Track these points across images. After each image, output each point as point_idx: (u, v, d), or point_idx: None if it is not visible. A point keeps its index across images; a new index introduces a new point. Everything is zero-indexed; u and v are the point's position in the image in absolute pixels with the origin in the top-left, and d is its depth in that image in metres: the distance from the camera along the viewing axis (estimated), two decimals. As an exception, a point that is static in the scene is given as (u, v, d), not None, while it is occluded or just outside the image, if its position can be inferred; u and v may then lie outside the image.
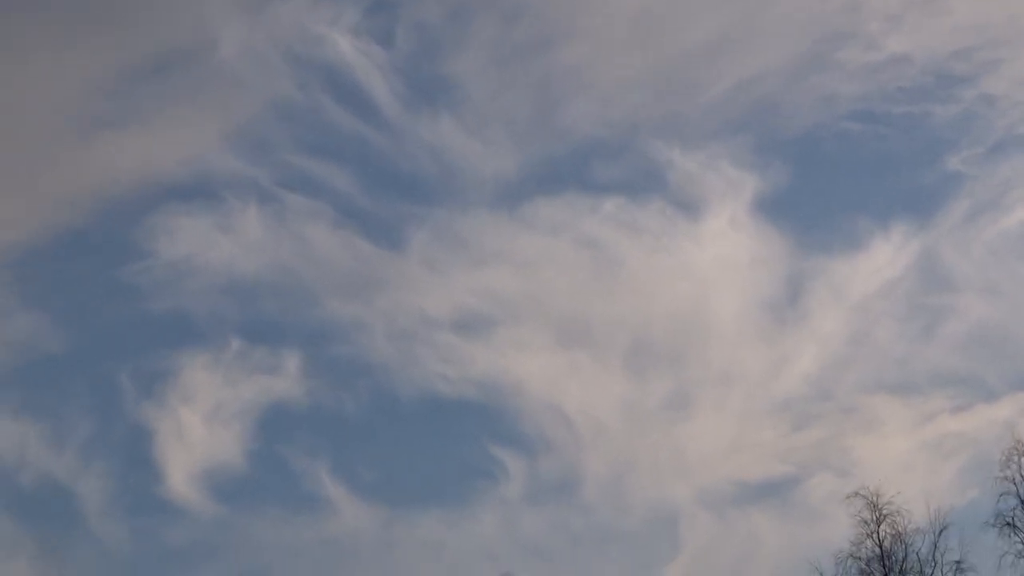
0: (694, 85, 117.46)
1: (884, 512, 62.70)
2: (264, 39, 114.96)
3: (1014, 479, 61.63)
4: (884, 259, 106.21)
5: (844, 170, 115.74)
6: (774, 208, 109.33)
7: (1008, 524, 60.92)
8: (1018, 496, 61.39)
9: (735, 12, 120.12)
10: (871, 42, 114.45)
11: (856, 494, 63.20)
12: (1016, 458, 61.65)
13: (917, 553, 62.05)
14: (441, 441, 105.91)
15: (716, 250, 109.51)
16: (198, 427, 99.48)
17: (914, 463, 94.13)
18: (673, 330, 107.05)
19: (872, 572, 62.05)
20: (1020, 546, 60.83)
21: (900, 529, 62.35)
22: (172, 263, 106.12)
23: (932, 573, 61.84)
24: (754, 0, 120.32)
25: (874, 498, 62.87)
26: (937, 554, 61.79)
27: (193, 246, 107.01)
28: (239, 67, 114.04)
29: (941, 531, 61.91)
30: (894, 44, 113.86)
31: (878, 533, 62.54)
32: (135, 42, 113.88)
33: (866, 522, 62.78)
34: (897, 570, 61.92)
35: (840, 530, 63.77)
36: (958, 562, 61.61)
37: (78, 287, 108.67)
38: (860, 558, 62.23)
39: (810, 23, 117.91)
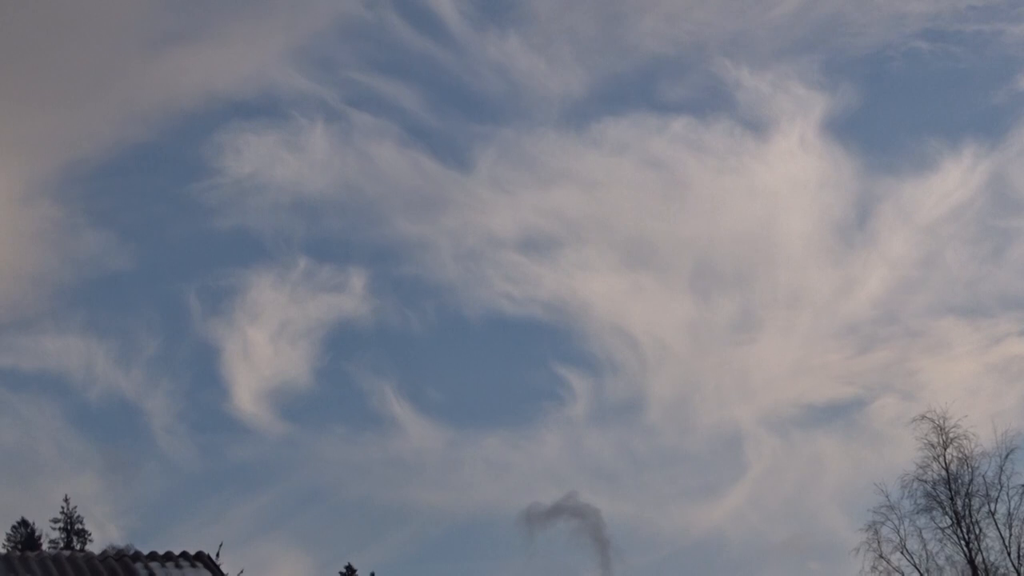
0: (762, 3, 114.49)
1: (951, 435, 59.50)
2: None
3: None
4: (954, 181, 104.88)
5: (914, 90, 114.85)
6: (843, 129, 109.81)
7: None
8: None
9: None
10: None
11: (922, 417, 59.97)
12: None
13: (984, 476, 58.93)
14: (506, 361, 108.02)
15: (784, 171, 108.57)
16: (264, 345, 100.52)
17: (981, 386, 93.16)
18: (739, 252, 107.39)
19: (938, 495, 58.94)
20: None
21: (967, 453, 59.33)
22: (239, 180, 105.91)
23: (998, 496, 58.65)
24: None
25: (941, 421, 59.71)
26: (1004, 477, 58.47)
27: (259, 163, 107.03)
28: None
29: (1008, 455, 58.58)
30: None
31: (944, 456, 59.38)
32: None
33: (932, 445, 59.54)
34: (963, 493, 59.03)
35: (906, 453, 61.54)
36: None
37: (145, 204, 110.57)
38: (926, 481, 59.09)
39: None
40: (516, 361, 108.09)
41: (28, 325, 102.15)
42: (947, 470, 59.41)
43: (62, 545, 77.21)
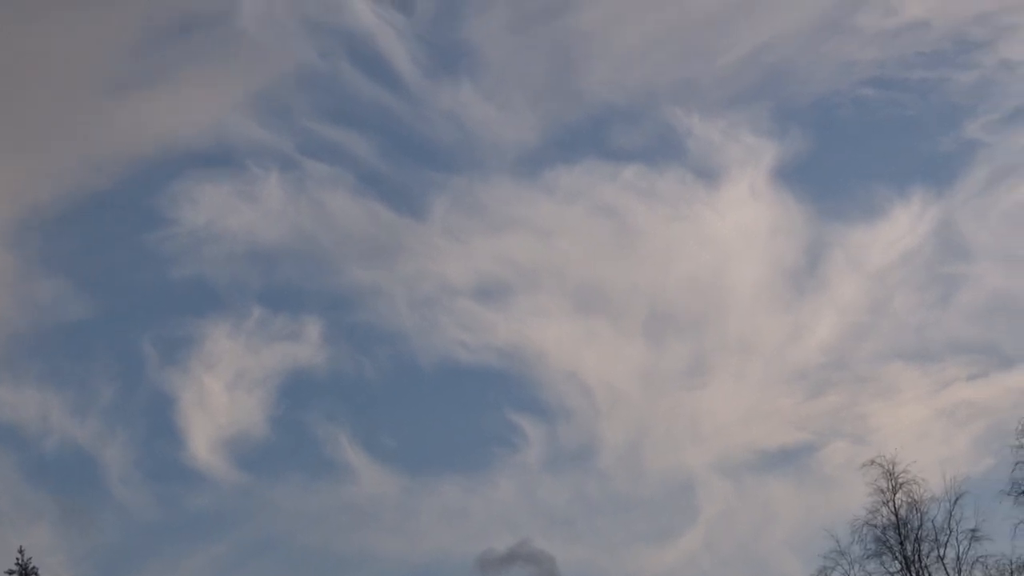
0: (711, 50, 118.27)
1: (900, 480, 61.26)
2: (285, 5, 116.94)
3: None
4: (902, 227, 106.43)
5: (862, 137, 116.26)
6: (793, 176, 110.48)
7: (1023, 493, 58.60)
8: None
9: None
10: (888, 7, 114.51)
11: (872, 462, 61.77)
12: None
13: (932, 521, 60.63)
14: (461, 408, 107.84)
15: (735, 218, 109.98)
16: (220, 394, 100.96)
17: (930, 431, 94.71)
18: (691, 298, 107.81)
19: (887, 540, 60.75)
20: None
21: (916, 497, 60.96)
22: (194, 230, 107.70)
23: (947, 541, 60.40)
24: None
25: (890, 466, 61.47)
26: (952, 522, 60.23)
27: (215, 213, 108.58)
28: (260, 33, 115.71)
29: (956, 499, 60.31)
30: (912, 8, 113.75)
31: (894, 501, 61.03)
32: (159, 6, 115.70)
33: (882, 490, 61.25)
34: (912, 538, 60.66)
35: (856, 498, 62.51)
36: (973, 530, 60.05)
37: (101, 253, 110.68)
38: (876, 526, 60.89)
39: None
40: (470, 408, 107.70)
41: None
42: (896, 515, 60.68)
43: (17, 596, 76.98)
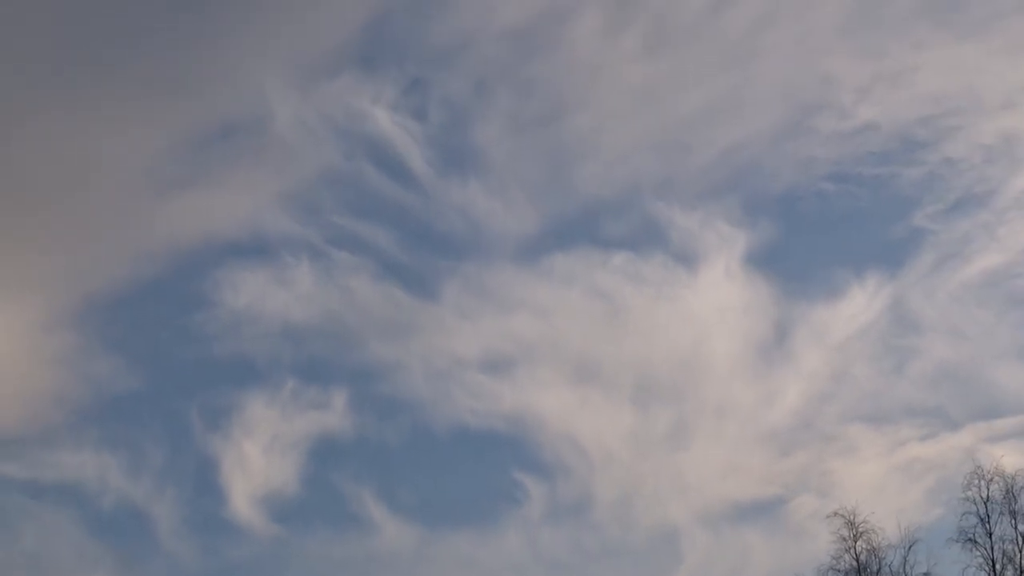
0: (687, 150, 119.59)
1: (860, 529, 63.25)
2: (314, 113, 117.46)
3: (974, 500, 61.86)
4: (859, 305, 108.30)
5: (823, 226, 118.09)
6: (762, 260, 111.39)
7: (970, 540, 61.25)
8: (978, 515, 61.61)
9: (723, 84, 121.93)
10: (843, 111, 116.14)
11: (835, 513, 63.93)
12: (976, 481, 61.84)
13: (889, 566, 62.42)
14: (471, 468, 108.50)
15: (712, 298, 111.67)
16: (258, 456, 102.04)
17: (886, 485, 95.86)
18: (674, 369, 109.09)
19: None
20: (980, 560, 61.05)
21: (874, 545, 62.93)
22: (235, 312, 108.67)
23: None
24: (739, 73, 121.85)
25: (851, 517, 63.52)
26: (907, 567, 62.21)
27: (253, 297, 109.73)
28: (292, 137, 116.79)
29: (911, 546, 62.33)
30: (864, 113, 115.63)
31: (855, 548, 63.02)
32: (203, 113, 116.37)
33: (844, 538, 63.31)
34: None
35: (821, 545, 64.36)
36: (926, 574, 62.06)
37: (153, 332, 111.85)
38: (839, 571, 62.67)
39: (789, 94, 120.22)
40: (479, 468, 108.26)
41: (48, 440, 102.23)
42: (857, 561, 62.51)
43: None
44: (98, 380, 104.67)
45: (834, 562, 62.79)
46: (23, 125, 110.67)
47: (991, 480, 61.83)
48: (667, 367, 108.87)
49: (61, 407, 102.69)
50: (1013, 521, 61.22)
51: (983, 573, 61.02)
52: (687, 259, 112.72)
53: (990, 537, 61.34)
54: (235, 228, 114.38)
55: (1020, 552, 60.71)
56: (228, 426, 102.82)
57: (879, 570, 62.40)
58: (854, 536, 63.05)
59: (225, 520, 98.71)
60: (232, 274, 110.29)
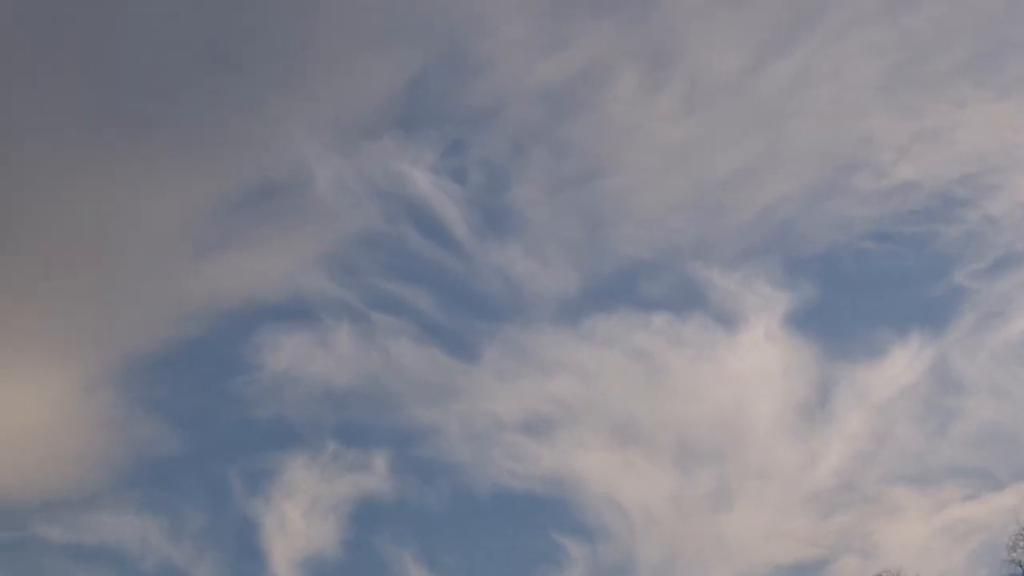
0: (725, 211, 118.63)
1: None
2: (354, 175, 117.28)
3: (1019, 561, 61.95)
4: (902, 366, 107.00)
5: (863, 286, 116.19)
6: (803, 321, 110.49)
7: None
8: None
9: (759, 144, 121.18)
10: (882, 170, 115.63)
11: (880, 575, 64.67)
12: (1021, 542, 62.21)
13: None
14: (511, 530, 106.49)
15: (752, 360, 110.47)
16: (298, 519, 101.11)
17: (930, 547, 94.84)
18: (715, 430, 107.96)
19: None
20: None
21: None
22: (275, 375, 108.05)
23: None
24: (776, 133, 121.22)
25: None
26: None
27: (293, 360, 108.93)
28: (332, 199, 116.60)
29: None
30: (903, 172, 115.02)
31: None
32: (243, 174, 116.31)
33: None
34: None
35: None
36: None
37: (193, 395, 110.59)
38: None
39: (827, 153, 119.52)
40: (520, 530, 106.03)
41: (89, 503, 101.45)
42: None
43: None
44: (139, 443, 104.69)
45: (879, 624, 62.10)
46: (62, 185, 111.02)
47: None
48: (708, 429, 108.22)
49: (102, 470, 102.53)
50: None
51: (1030, 638, 60.45)
52: (727, 320, 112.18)
53: None
54: (275, 290, 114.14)
55: (1067, 614, 59.61)
56: (269, 489, 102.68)
57: (925, 633, 61.75)
58: None
59: None
60: (272, 337, 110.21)
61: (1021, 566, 61.55)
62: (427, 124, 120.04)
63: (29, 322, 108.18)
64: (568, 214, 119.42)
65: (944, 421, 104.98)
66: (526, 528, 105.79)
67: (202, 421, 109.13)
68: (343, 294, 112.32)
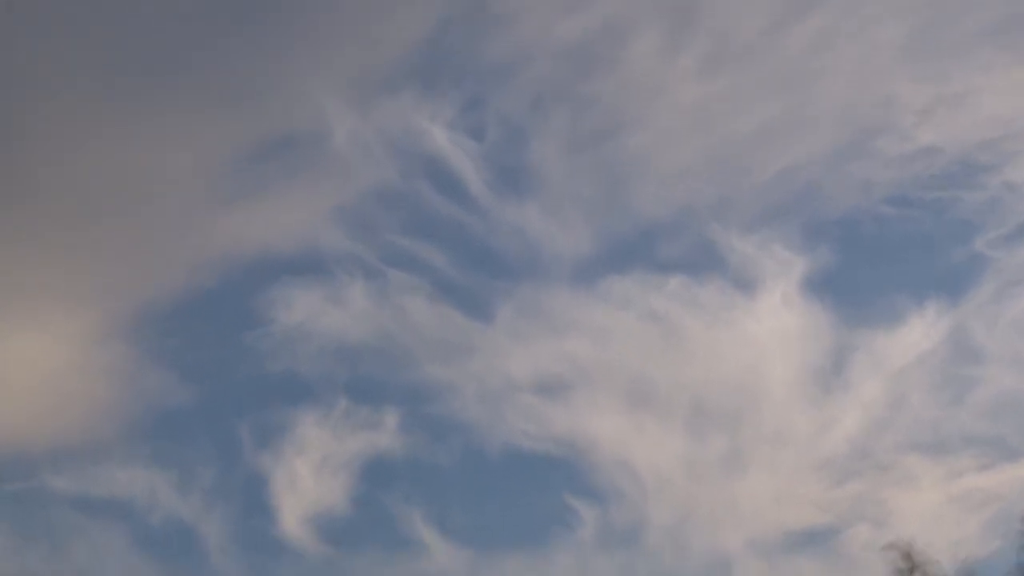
0: (745, 171, 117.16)
1: (917, 561, 62.08)
2: (372, 131, 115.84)
3: None
4: (919, 333, 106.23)
5: (882, 251, 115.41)
6: (821, 286, 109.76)
7: None
8: None
9: (780, 104, 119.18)
10: (904, 134, 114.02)
11: (891, 544, 62.88)
12: None
13: None
14: (523, 491, 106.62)
15: (769, 324, 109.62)
16: (308, 476, 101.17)
17: (943, 516, 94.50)
18: (729, 395, 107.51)
19: None
20: None
21: None
22: (288, 330, 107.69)
23: None
24: (797, 93, 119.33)
25: (908, 548, 62.44)
26: None
27: (306, 315, 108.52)
28: (349, 154, 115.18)
29: None
30: (925, 136, 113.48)
31: None
32: (260, 127, 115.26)
33: (900, 570, 62.23)
34: None
35: None
36: None
37: (206, 348, 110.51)
38: None
39: (848, 116, 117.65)
40: (531, 491, 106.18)
41: (99, 454, 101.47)
42: None
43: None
44: (150, 394, 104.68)
45: (890, 594, 62.05)
46: (79, 136, 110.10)
47: None
48: (722, 393, 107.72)
49: (112, 421, 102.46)
50: None
51: (1043, 608, 59.87)
52: (744, 284, 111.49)
53: None
54: (291, 244, 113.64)
55: (1082, 587, 59.31)
56: (279, 444, 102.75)
57: (936, 602, 61.48)
58: (910, 568, 62.05)
59: (274, 539, 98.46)
60: (286, 291, 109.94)
61: None
62: (446, 79, 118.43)
63: (44, 271, 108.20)
64: (586, 173, 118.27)
65: (961, 390, 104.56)
66: (537, 489, 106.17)
67: (214, 374, 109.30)
68: (358, 249, 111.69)
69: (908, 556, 61.99)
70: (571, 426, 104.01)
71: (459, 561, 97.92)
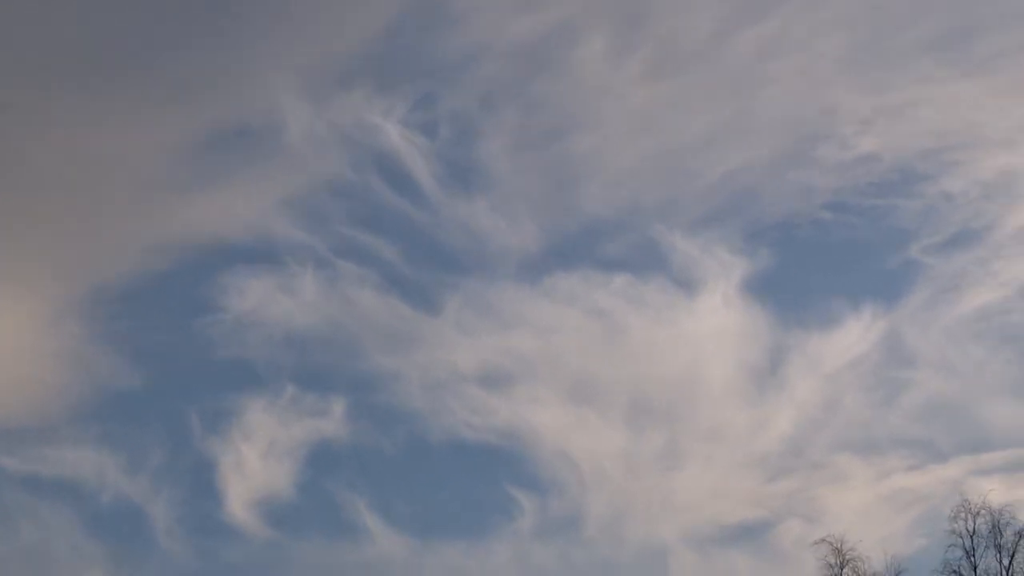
0: (689, 174, 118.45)
1: (846, 557, 62.67)
2: (326, 124, 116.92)
3: (960, 533, 61.93)
4: (854, 336, 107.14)
5: (820, 255, 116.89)
6: (760, 288, 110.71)
7: (955, 572, 61.26)
8: (964, 548, 61.67)
9: (725, 110, 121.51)
10: (845, 142, 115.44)
11: (823, 540, 63.42)
12: (963, 514, 62.05)
13: None
14: (465, 480, 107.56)
15: (709, 323, 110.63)
16: (255, 461, 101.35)
17: (873, 514, 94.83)
18: (669, 391, 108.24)
19: None
20: None
21: (860, 573, 62.43)
22: (238, 317, 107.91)
23: None
24: (742, 100, 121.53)
25: (838, 544, 63.00)
26: None
27: (257, 303, 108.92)
28: (303, 147, 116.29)
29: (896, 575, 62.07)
30: (865, 144, 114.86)
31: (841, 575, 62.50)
32: (218, 119, 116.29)
33: (831, 565, 62.73)
34: None
35: (807, 571, 64.11)
36: None
37: (157, 332, 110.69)
38: None
39: (791, 123, 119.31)
40: (473, 481, 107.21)
41: (49, 435, 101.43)
42: None
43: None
44: (101, 377, 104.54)
45: (820, 590, 62.83)
46: (43, 124, 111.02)
47: (978, 514, 62.21)
48: (662, 389, 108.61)
49: (63, 402, 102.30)
50: (998, 555, 61.40)
51: (967, 606, 61.04)
52: (686, 284, 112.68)
53: (975, 570, 61.37)
54: (243, 232, 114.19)
55: (1005, 586, 60.48)
56: (227, 429, 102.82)
57: (864, 599, 62.28)
58: (840, 564, 62.68)
59: (220, 522, 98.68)
60: (238, 279, 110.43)
61: (961, 537, 61.58)
62: (399, 77, 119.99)
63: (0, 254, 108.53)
64: (534, 171, 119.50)
65: (892, 392, 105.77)
66: (479, 479, 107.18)
67: (164, 358, 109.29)
68: (309, 240, 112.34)
69: (838, 552, 62.45)
70: (514, 418, 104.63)
71: (401, 548, 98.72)
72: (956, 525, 61.82)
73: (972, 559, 61.32)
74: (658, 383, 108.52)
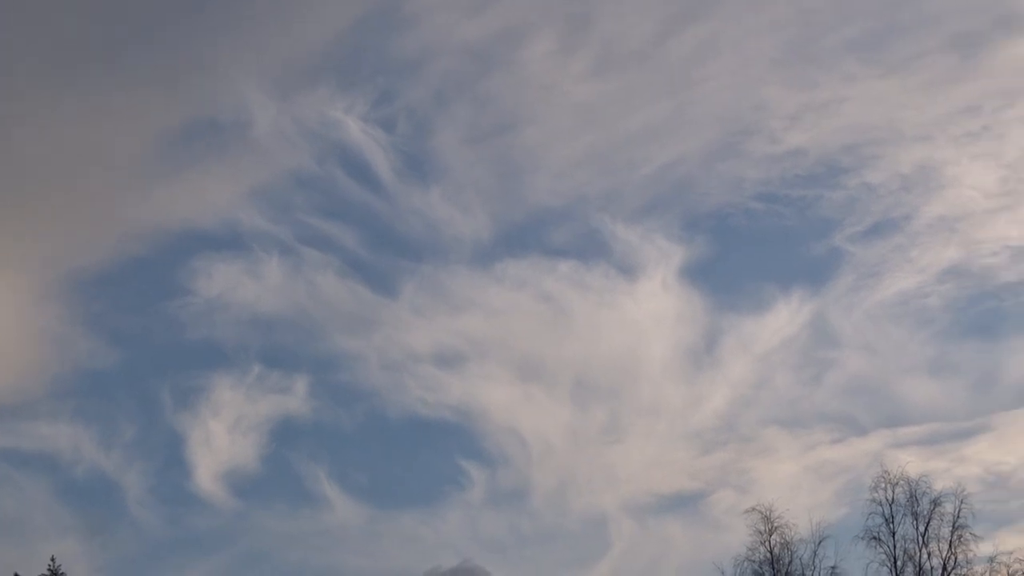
0: (630, 166, 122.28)
1: (775, 524, 63.77)
2: (291, 120, 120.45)
3: (880, 501, 62.62)
4: (783, 319, 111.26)
5: (751, 243, 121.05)
6: (696, 274, 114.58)
7: (875, 538, 62.05)
8: (883, 515, 62.41)
9: (664, 105, 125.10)
10: (774, 136, 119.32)
11: (753, 509, 64.35)
12: (882, 484, 62.70)
13: (800, 559, 62.96)
14: (419, 454, 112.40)
15: (648, 307, 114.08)
16: (223, 435, 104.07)
17: (800, 485, 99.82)
18: (611, 370, 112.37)
19: (763, 573, 62.94)
20: (883, 557, 61.91)
21: (787, 539, 63.53)
22: (208, 300, 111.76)
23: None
24: (680, 97, 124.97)
25: (767, 512, 64.02)
26: (816, 560, 62.78)
27: (225, 287, 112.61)
28: (269, 140, 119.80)
29: (820, 541, 62.84)
30: (793, 139, 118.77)
31: (769, 541, 63.53)
32: (189, 112, 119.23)
33: (760, 532, 63.81)
34: (783, 573, 62.73)
35: (738, 537, 64.88)
36: (833, 568, 62.78)
37: (131, 314, 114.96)
38: (754, 562, 63.18)
39: (724, 118, 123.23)
40: (427, 454, 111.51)
41: (28, 410, 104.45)
42: (771, 553, 63.16)
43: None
44: (77, 355, 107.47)
45: (750, 553, 63.61)
46: (24, 114, 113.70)
47: (896, 483, 62.86)
48: (605, 368, 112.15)
49: (40, 379, 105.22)
50: (915, 522, 62.23)
51: (885, 569, 62.10)
52: (627, 270, 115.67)
53: (893, 536, 62.20)
54: (213, 220, 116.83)
55: (920, 551, 61.67)
56: (196, 406, 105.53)
57: (791, 563, 62.96)
58: (769, 530, 63.53)
59: (189, 493, 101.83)
60: (208, 264, 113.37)
61: (881, 505, 62.03)
62: (360, 75, 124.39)
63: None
64: (485, 163, 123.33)
65: (818, 371, 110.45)
66: (433, 452, 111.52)
67: (138, 339, 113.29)
68: (274, 228, 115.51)
69: (767, 519, 63.54)
70: (465, 396, 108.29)
71: (359, 516, 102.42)
72: (876, 494, 62.47)
73: (891, 526, 62.05)
74: (601, 363, 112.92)
